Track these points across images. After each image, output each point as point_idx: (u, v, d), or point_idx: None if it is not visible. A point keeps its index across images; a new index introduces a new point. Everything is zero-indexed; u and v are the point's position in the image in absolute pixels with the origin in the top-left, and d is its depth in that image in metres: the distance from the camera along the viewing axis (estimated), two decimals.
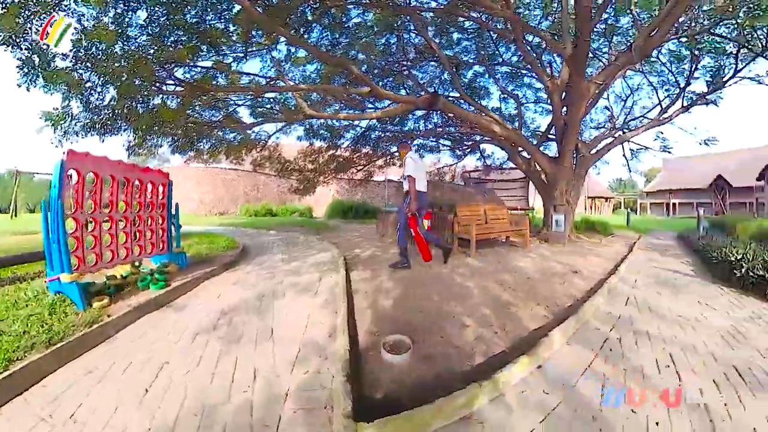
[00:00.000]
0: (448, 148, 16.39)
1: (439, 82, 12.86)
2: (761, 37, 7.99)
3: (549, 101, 9.58)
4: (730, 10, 7.18)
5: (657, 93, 11.03)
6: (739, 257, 5.09)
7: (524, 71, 11.94)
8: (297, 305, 3.76)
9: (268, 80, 8.57)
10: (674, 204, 39.86)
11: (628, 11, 8.11)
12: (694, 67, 9.72)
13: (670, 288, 4.67)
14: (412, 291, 4.21)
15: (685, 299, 4.14)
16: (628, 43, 7.54)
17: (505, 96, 12.98)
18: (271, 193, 24.00)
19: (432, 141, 15.72)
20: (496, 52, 11.44)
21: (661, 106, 10.79)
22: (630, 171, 13.71)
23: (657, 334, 3.02)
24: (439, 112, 11.39)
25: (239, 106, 9.61)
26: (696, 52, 9.37)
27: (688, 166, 40.27)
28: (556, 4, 9.38)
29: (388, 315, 3.40)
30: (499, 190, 16.80)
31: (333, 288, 4.32)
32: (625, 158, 13.00)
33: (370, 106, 11.13)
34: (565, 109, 8.88)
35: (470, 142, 15.00)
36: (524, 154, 10.75)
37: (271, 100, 10.02)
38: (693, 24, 8.42)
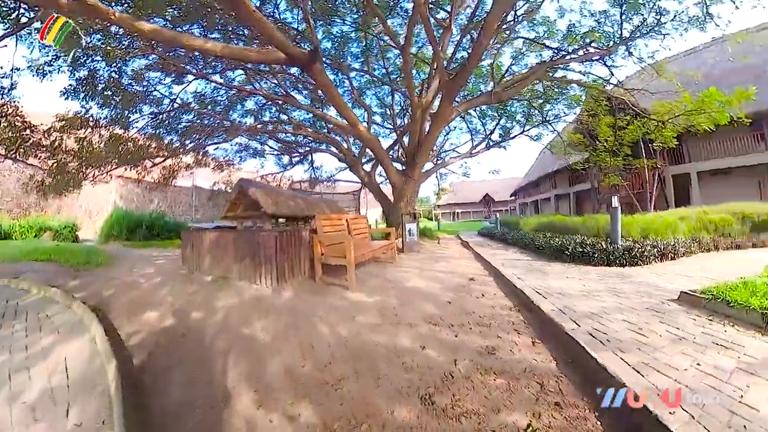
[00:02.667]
0: (276, 153, 14.11)
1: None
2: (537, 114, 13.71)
3: (407, 117, 8.88)
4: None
5: (471, 135, 15.48)
6: (558, 244, 7.34)
7: (383, 82, 11.08)
8: None
9: None
10: (458, 213, 58.04)
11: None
12: (497, 123, 14.61)
13: (539, 272, 5.85)
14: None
15: (554, 277, 5.43)
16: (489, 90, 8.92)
17: (356, 104, 11.74)
18: (6, 194, 15.82)
19: (258, 141, 13.13)
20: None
21: (472, 143, 15.24)
22: (438, 188, 22.12)
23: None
24: (281, 104, 9.21)
25: None
26: (498, 114, 14.20)
27: (467, 187, 54.25)
28: None
29: None
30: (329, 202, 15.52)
31: None
32: (437, 179, 20.45)
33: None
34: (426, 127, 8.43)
35: (304, 150, 13.19)
36: (365, 167, 10.18)
37: None
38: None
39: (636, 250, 6.18)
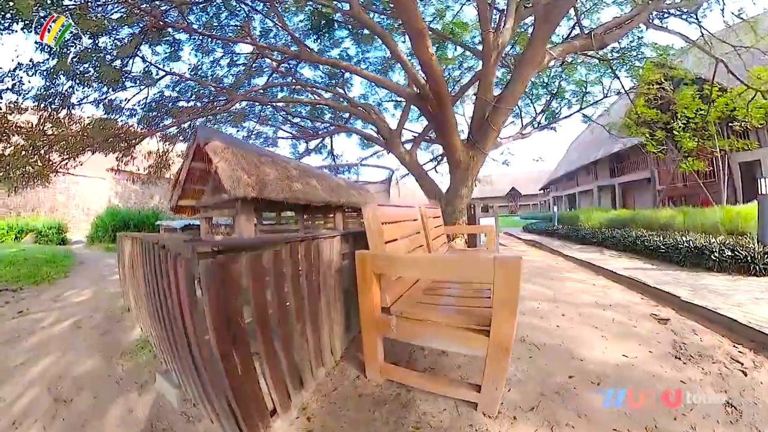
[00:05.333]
0: (291, 138, 11.95)
1: None
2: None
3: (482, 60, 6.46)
4: None
5: (521, 114, 12.76)
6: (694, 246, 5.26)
7: None
8: None
9: None
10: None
11: None
12: (551, 97, 12.03)
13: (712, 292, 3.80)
14: None
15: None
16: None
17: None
18: None
19: (270, 126, 11.01)
20: None
21: (521, 123, 12.41)
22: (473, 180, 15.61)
23: None
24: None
25: None
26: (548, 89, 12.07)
27: (494, 179, 50.80)
28: None
29: None
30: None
31: None
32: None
33: None
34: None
35: (324, 131, 10.98)
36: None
37: None
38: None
39: None
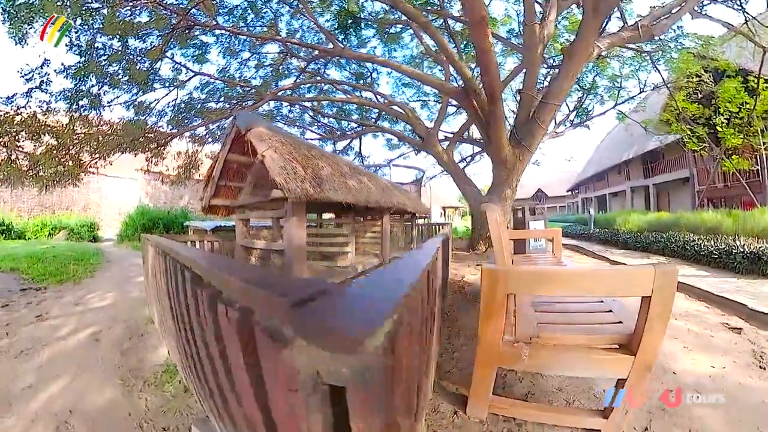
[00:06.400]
0: (319, 138, 11.86)
1: None
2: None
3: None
4: None
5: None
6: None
7: None
8: None
9: None
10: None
11: None
12: (584, 94, 11.81)
13: None
14: None
15: None
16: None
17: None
18: (26, 192, 14.33)
19: (297, 127, 10.98)
20: None
21: (555, 121, 11.81)
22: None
23: None
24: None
25: None
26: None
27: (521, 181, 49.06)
28: None
29: None
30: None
31: None
32: None
33: None
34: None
35: (352, 132, 10.84)
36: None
37: None
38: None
39: None
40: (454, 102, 8.28)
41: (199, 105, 8.54)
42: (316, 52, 8.03)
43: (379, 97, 9.24)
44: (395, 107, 8.44)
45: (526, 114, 5.52)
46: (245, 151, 3.46)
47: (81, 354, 2.99)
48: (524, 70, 5.87)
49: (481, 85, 5.48)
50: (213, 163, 4.18)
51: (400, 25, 8.24)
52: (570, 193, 39.12)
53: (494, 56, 4.80)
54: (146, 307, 4.02)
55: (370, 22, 8.41)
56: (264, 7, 7.93)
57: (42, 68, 6.65)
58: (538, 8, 6.21)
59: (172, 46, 7.87)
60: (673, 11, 6.01)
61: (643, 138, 17.37)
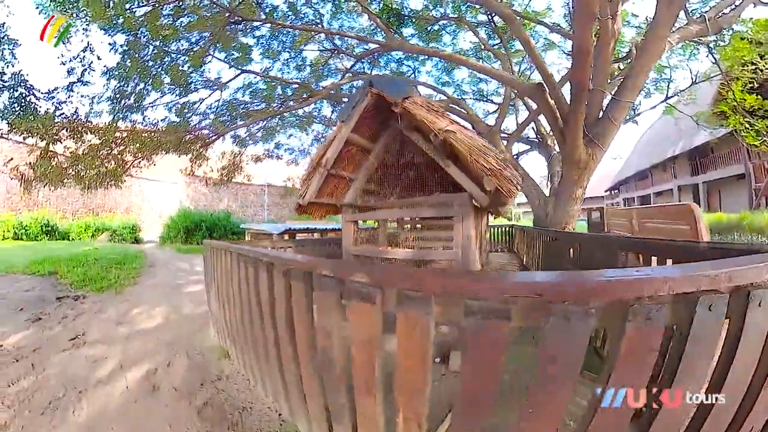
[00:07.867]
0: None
1: None
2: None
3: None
4: None
5: None
6: None
7: None
8: None
9: None
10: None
11: None
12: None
13: None
14: None
15: None
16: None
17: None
18: (71, 194, 14.51)
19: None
20: None
21: None
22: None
23: None
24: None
25: None
26: None
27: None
28: None
29: None
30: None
31: None
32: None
33: None
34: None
35: None
36: None
37: None
38: None
39: None
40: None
41: (242, 106, 8.56)
42: (370, 46, 7.86)
43: (441, 92, 8.92)
44: (453, 105, 8.19)
45: (596, 111, 5.21)
46: (371, 132, 2.81)
47: (134, 414, 2.04)
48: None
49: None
50: (324, 147, 3.20)
51: (443, 22, 8.02)
52: (608, 193, 37.63)
53: (591, 55, 4.50)
54: (212, 331, 3.34)
55: (412, 19, 8.21)
56: (305, 6, 7.86)
57: (84, 55, 6.55)
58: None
59: (214, 49, 7.91)
60: (737, 2, 5.60)
61: (690, 132, 16.37)
